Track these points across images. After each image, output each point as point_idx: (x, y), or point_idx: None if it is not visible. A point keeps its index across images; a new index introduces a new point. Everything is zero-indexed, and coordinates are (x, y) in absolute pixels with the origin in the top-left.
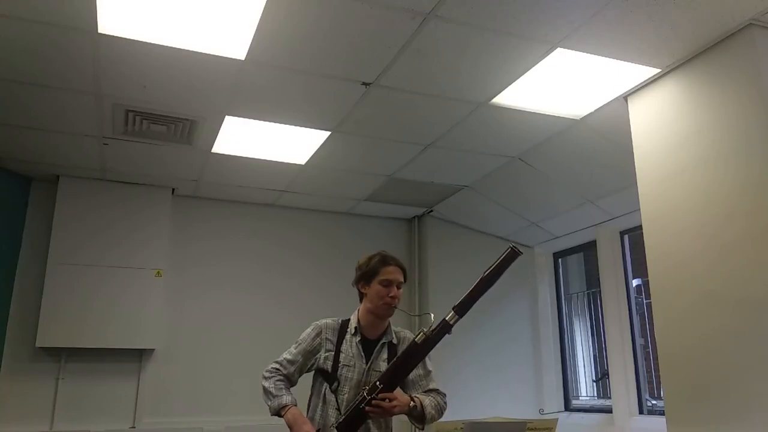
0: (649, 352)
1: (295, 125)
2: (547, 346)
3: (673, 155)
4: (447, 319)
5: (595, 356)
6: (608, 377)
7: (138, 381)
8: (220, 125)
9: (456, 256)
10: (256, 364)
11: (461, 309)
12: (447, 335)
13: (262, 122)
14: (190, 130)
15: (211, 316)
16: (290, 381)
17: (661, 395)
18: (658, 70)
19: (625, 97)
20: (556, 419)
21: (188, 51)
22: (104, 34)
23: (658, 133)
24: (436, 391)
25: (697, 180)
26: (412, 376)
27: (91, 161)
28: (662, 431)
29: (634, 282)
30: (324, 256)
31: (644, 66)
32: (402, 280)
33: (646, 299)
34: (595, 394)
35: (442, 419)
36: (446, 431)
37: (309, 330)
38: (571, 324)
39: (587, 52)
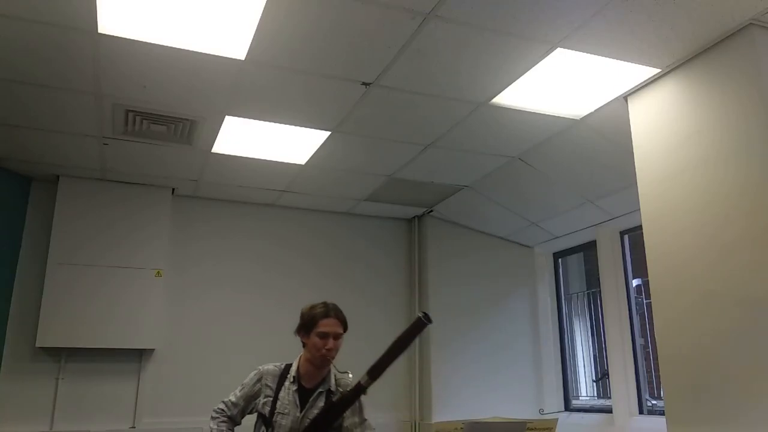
0: (649, 352)
1: (295, 125)
2: (547, 346)
3: (673, 155)
4: (362, 382)
5: (595, 356)
6: (608, 377)
7: (138, 381)
8: (220, 125)
9: (456, 256)
10: (256, 364)
11: (373, 373)
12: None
13: (262, 122)
14: (190, 130)
15: (211, 316)
16: (233, 421)
17: (661, 395)
18: (658, 70)
19: (625, 97)
20: (556, 419)
21: (188, 51)
22: (104, 34)
23: (658, 133)
24: None
25: (697, 180)
26: (347, 423)
27: (91, 161)
28: (662, 431)
29: (634, 282)
30: (324, 256)
31: (644, 66)
32: (340, 331)
33: (646, 299)
34: (595, 394)
35: (443, 419)
36: (446, 431)
37: (252, 375)
38: (571, 324)
39: (587, 52)
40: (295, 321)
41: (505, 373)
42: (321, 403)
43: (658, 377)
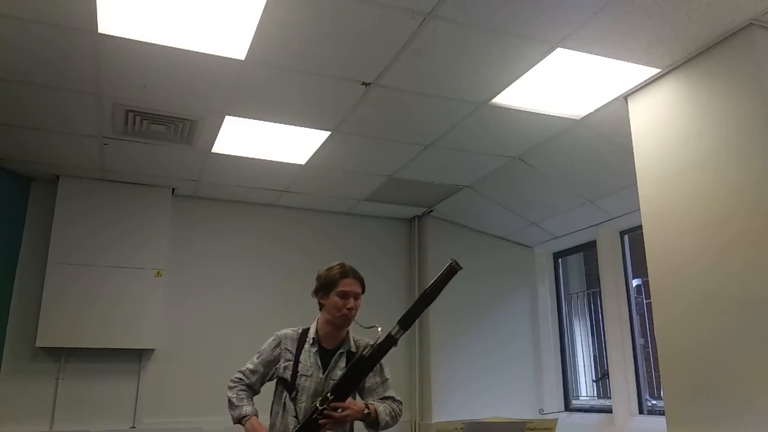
0: (649, 352)
1: (295, 125)
2: (547, 346)
3: (673, 155)
4: (392, 333)
5: (595, 356)
6: (608, 377)
7: (138, 381)
8: (220, 125)
9: (456, 256)
10: None
11: (404, 323)
12: (394, 348)
13: (262, 122)
14: (190, 130)
15: (211, 316)
16: (252, 390)
17: (661, 395)
18: (658, 70)
19: (625, 97)
20: (556, 419)
21: (188, 51)
22: (104, 34)
23: (658, 133)
24: (392, 398)
25: (697, 180)
26: (369, 383)
27: (91, 161)
28: (662, 431)
29: (634, 282)
30: (324, 256)
31: (644, 66)
32: (359, 291)
33: (646, 299)
34: (595, 394)
35: (443, 419)
36: (446, 431)
37: (270, 340)
38: (571, 324)
39: (587, 52)
40: (296, 320)
41: (505, 372)
42: (342, 364)
43: (658, 377)
